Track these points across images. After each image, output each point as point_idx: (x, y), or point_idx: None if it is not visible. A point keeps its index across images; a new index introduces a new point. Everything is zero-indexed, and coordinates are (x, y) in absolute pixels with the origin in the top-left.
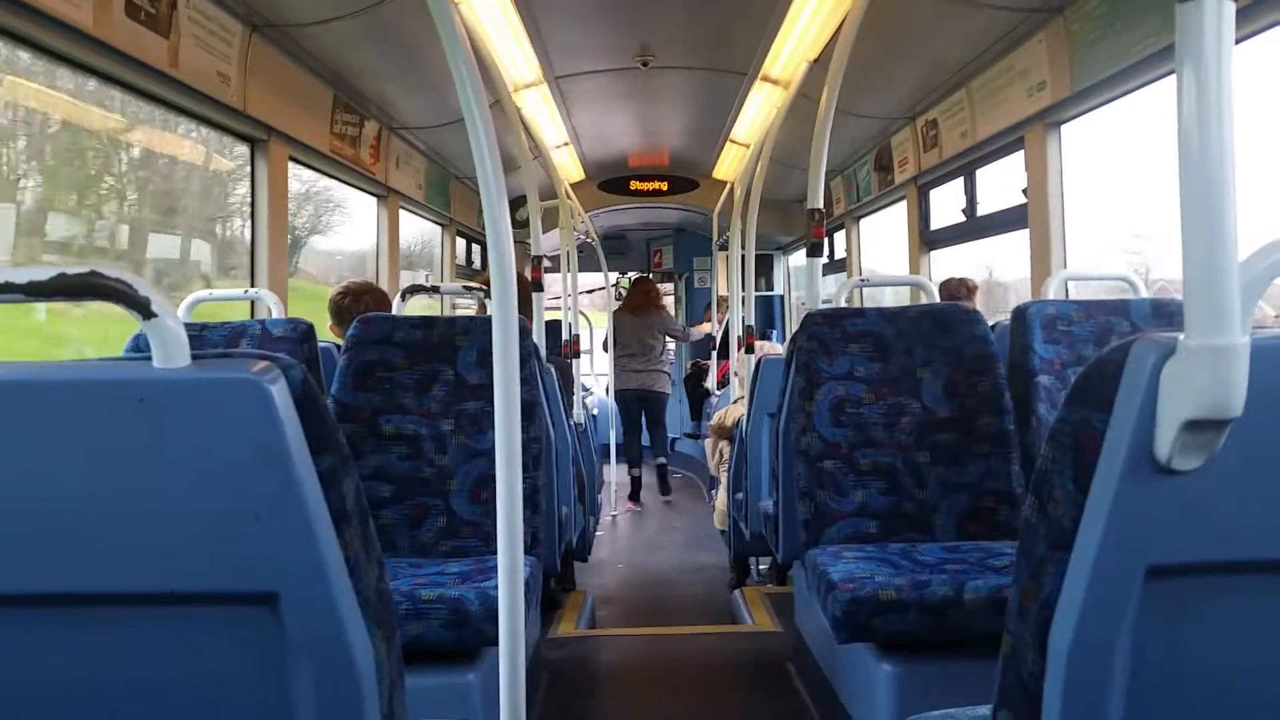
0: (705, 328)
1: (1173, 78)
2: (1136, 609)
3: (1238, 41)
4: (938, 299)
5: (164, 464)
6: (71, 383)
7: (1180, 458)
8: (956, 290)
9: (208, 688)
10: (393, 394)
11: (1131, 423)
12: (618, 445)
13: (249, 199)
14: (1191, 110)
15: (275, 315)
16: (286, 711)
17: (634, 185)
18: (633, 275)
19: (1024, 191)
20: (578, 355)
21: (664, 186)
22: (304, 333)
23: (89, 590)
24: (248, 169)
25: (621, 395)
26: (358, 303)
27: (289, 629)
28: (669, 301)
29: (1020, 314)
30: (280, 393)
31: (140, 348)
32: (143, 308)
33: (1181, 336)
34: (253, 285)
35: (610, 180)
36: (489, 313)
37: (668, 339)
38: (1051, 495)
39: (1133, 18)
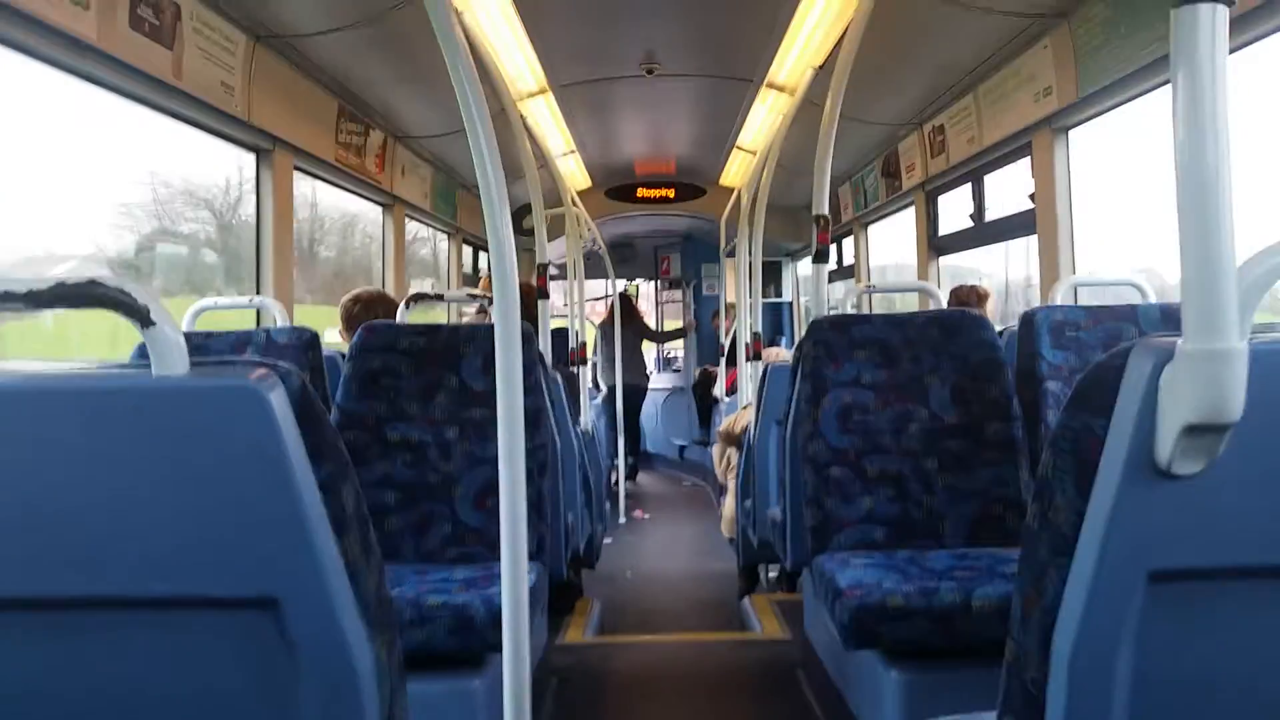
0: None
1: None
2: (1139, 614)
3: (1236, 49)
4: (945, 305)
5: (163, 470)
6: (71, 390)
7: (1181, 462)
8: (967, 298)
9: (209, 692)
10: (397, 401)
11: (1131, 428)
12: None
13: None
14: (1187, 115)
15: (280, 323)
16: (287, 716)
17: (641, 193)
18: (639, 283)
19: (1031, 197)
20: (584, 362)
21: (671, 194)
22: (308, 341)
23: (88, 594)
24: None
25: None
26: (368, 311)
27: (289, 634)
28: (678, 309)
29: (1028, 320)
30: (278, 400)
31: (145, 354)
32: (141, 316)
33: (1180, 341)
34: (258, 293)
35: (617, 188)
36: (493, 320)
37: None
38: (1053, 501)
39: (1137, 23)
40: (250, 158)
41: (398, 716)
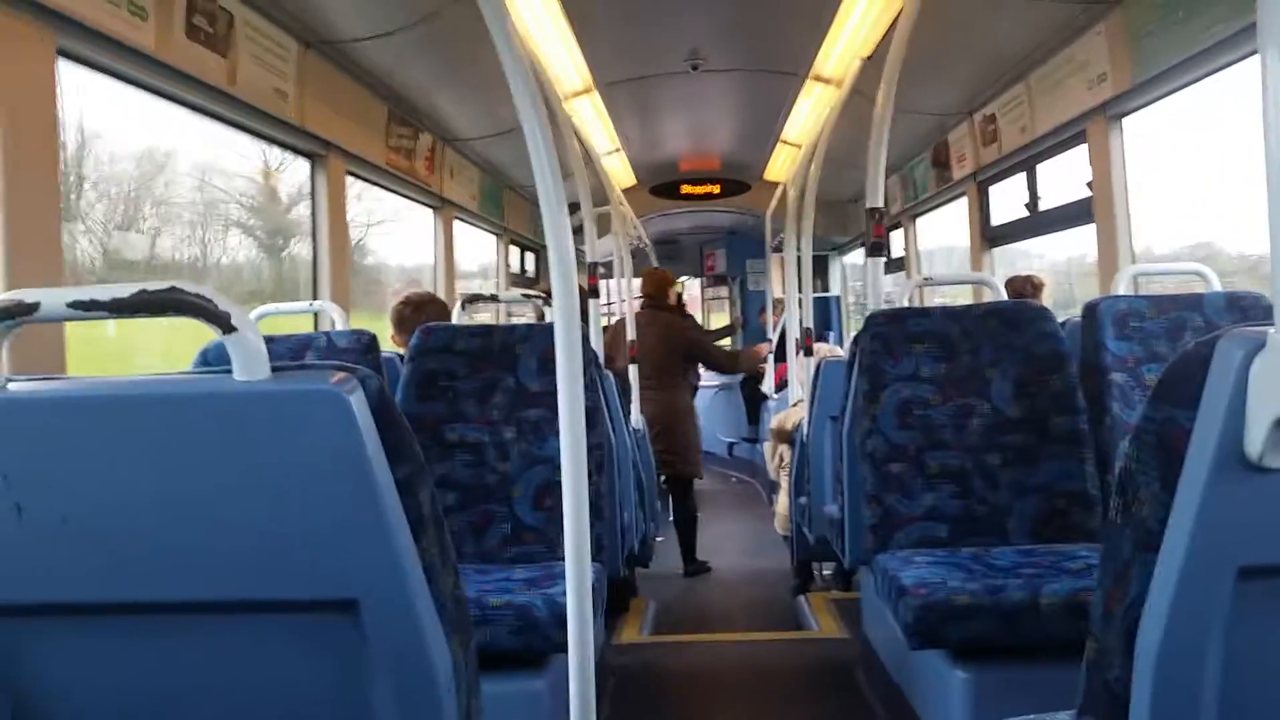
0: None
1: (1237, 67)
2: (1228, 611)
3: None
4: (1004, 297)
5: (247, 474)
6: (156, 396)
7: (1272, 455)
8: (1022, 288)
9: (290, 694)
10: (455, 402)
11: (1220, 420)
12: None
13: None
14: (1277, 93)
15: (339, 327)
16: (367, 716)
17: (685, 189)
18: (684, 280)
19: (1089, 185)
20: (634, 361)
21: (716, 190)
22: (367, 344)
23: (174, 599)
24: None
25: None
26: (419, 313)
27: (369, 636)
28: (725, 304)
29: (1091, 311)
30: (359, 403)
31: (209, 361)
32: (223, 322)
33: (1272, 330)
34: (315, 298)
35: (661, 185)
36: (546, 320)
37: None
38: (1137, 496)
39: (1195, 6)
40: (304, 163)
41: (474, 716)
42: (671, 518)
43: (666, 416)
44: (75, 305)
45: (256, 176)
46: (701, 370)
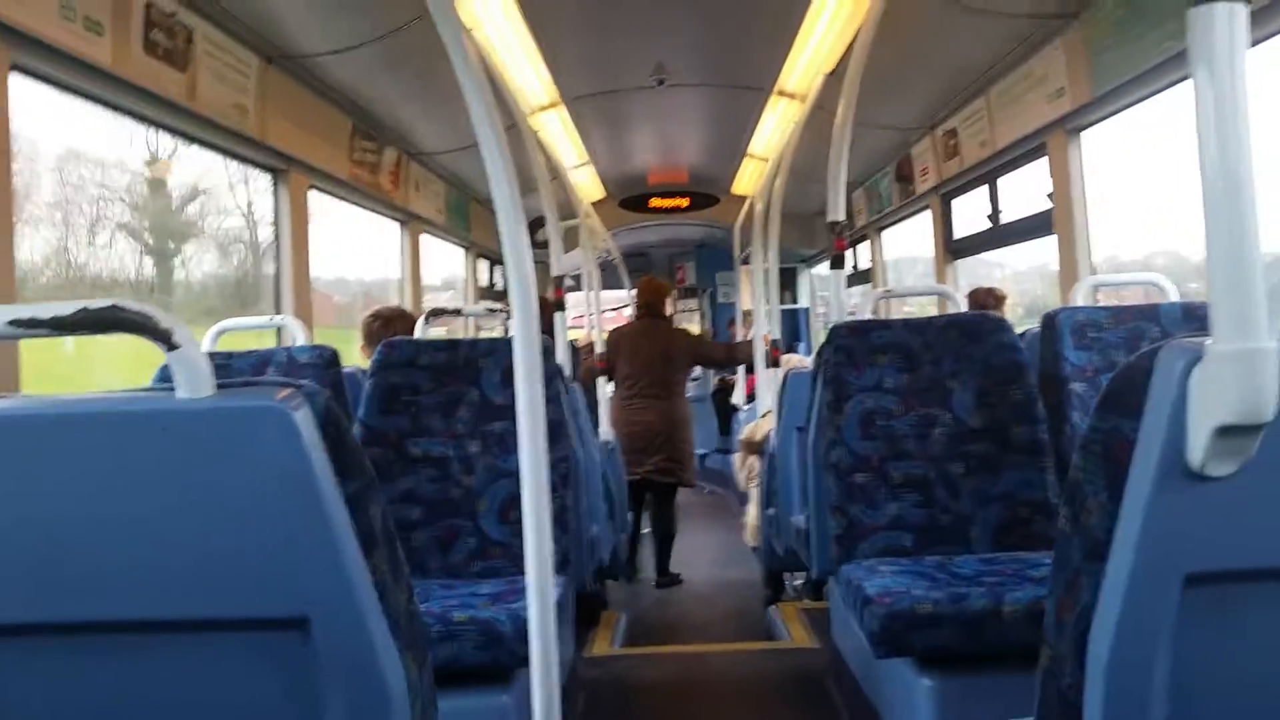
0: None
1: (1190, 82)
2: (1175, 618)
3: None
4: (964, 308)
5: (191, 492)
6: (97, 414)
7: (1214, 464)
8: (984, 300)
9: (242, 713)
10: (419, 416)
11: (1163, 430)
12: None
13: None
14: (1209, 113)
15: (300, 342)
16: None
17: (654, 203)
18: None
19: (1049, 196)
20: (604, 373)
21: (684, 203)
22: (329, 359)
23: (119, 618)
24: None
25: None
26: (388, 327)
27: (320, 653)
28: (695, 316)
29: (1050, 321)
30: (304, 419)
31: (168, 377)
32: (165, 339)
33: (1209, 341)
34: (277, 313)
35: (630, 198)
36: (512, 334)
37: None
38: (1084, 505)
39: (1149, 23)
40: (266, 178)
41: None
42: (647, 529)
43: (669, 426)
44: (15, 324)
45: (139, 167)
46: None
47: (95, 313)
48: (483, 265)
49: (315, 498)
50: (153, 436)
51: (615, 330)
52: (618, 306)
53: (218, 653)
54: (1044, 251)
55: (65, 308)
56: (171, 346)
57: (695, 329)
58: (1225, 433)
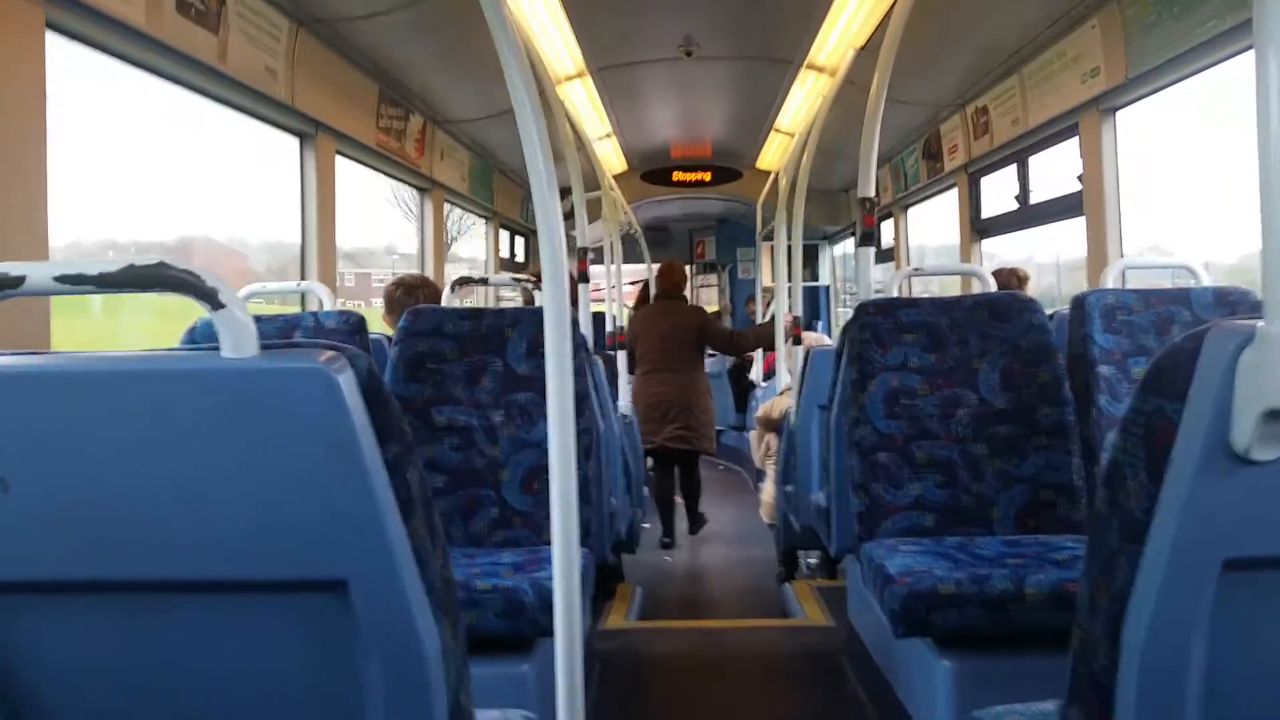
0: None
1: (1232, 62)
2: (1213, 602)
3: None
4: (994, 288)
5: (234, 453)
6: (143, 372)
7: (1259, 448)
8: (1007, 280)
9: (279, 674)
10: (443, 385)
11: (1207, 412)
12: None
13: None
14: (1272, 90)
15: (326, 307)
16: (355, 698)
17: (677, 176)
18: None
19: (1079, 178)
20: (622, 347)
21: (707, 177)
22: (355, 324)
23: (161, 577)
24: None
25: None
26: (411, 295)
27: (358, 616)
28: (714, 292)
29: (1079, 303)
30: (348, 382)
31: (195, 340)
32: (211, 298)
33: (1260, 323)
34: (303, 278)
35: (652, 171)
36: (536, 304)
37: None
38: (1124, 486)
39: (1190, 1)
40: (294, 142)
41: (463, 698)
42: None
43: (687, 397)
44: (62, 279)
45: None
46: None
47: (142, 270)
48: (503, 236)
49: (356, 460)
50: (198, 395)
51: (636, 312)
52: (635, 281)
53: (256, 614)
54: (1066, 242)
55: (112, 265)
56: (217, 306)
57: (714, 305)
58: (1273, 416)
